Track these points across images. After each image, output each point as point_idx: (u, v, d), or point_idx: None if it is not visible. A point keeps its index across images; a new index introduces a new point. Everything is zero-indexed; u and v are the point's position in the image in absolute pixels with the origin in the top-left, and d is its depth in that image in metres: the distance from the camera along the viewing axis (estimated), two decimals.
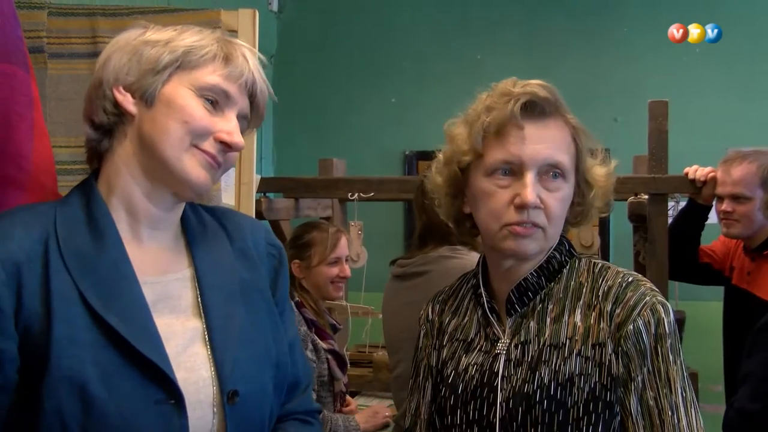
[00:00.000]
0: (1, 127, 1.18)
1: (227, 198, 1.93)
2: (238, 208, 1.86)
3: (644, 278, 1.23)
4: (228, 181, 2.06)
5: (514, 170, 1.17)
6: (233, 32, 1.80)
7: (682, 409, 1.13)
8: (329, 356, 2.41)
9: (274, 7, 4.86)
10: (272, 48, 4.90)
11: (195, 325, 1.11)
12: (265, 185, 2.85)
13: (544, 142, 1.16)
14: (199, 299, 1.12)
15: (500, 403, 1.17)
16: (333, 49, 4.89)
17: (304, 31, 4.94)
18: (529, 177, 1.15)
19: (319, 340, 2.40)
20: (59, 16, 1.79)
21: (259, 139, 1.79)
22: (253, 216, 1.89)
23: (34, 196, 1.21)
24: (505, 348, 1.21)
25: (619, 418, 1.15)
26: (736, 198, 2.44)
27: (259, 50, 1.83)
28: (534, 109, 1.17)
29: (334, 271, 2.55)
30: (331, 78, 4.87)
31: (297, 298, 2.43)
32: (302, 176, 3.06)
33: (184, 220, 1.18)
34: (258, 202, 2.55)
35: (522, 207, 1.15)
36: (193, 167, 1.09)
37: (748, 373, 1.90)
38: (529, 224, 1.16)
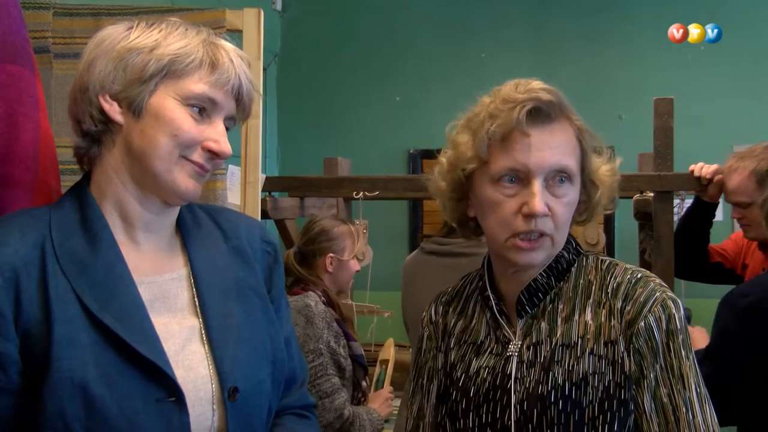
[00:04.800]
0: (8, 127, 1.18)
1: (232, 197, 1.93)
2: (244, 207, 1.86)
3: (653, 274, 1.22)
4: (233, 180, 2.06)
5: (521, 177, 1.14)
6: (238, 32, 1.80)
7: (696, 405, 1.12)
8: (352, 362, 2.42)
9: (278, 6, 4.86)
10: (276, 47, 4.91)
11: (192, 323, 1.12)
12: (270, 184, 2.85)
13: (550, 148, 1.14)
14: (196, 298, 1.13)
15: (514, 405, 1.16)
16: (337, 48, 4.89)
17: (308, 30, 4.94)
18: (537, 185, 1.13)
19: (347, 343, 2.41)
20: (64, 16, 1.79)
21: (264, 139, 1.79)
22: (259, 215, 1.89)
23: (39, 196, 1.22)
24: (517, 350, 1.20)
25: (633, 416, 1.14)
26: (739, 205, 2.45)
27: (263, 50, 1.84)
28: (539, 114, 1.14)
29: (357, 265, 2.58)
30: (336, 77, 4.87)
31: (323, 297, 2.42)
32: (307, 175, 3.06)
33: (179, 220, 1.19)
34: (263, 201, 2.56)
35: (530, 216, 1.13)
36: (182, 179, 1.09)
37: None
38: (536, 234, 1.15)
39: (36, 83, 1.26)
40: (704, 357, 1.97)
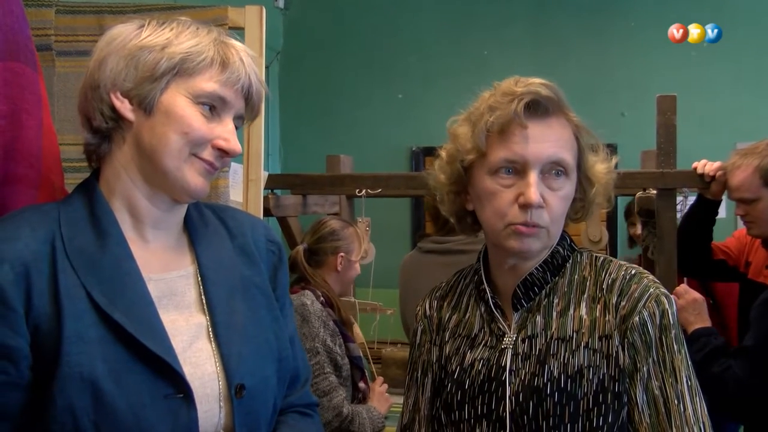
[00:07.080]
0: (11, 125, 1.19)
1: (235, 195, 1.93)
2: (246, 205, 1.86)
3: (645, 270, 1.25)
4: (236, 178, 2.06)
5: (518, 169, 1.17)
6: (240, 29, 1.80)
7: (687, 398, 1.15)
8: (349, 364, 2.42)
9: (281, 3, 4.86)
10: (278, 45, 4.91)
11: (199, 320, 1.12)
12: (273, 182, 2.85)
13: (547, 140, 1.17)
14: (203, 296, 1.14)
15: (510, 396, 1.18)
16: (339, 45, 4.89)
17: (310, 27, 4.94)
18: (533, 176, 1.16)
19: (345, 344, 2.41)
20: (66, 13, 1.79)
21: (266, 136, 1.78)
22: (261, 213, 1.89)
23: (43, 193, 1.22)
24: (512, 342, 1.22)
25: (627, 408, 1.17)
26: (743, 201, 2.44)
27: (266, 47, 1.84)
28: (537, 108, 1.17)
29: (359, 269, 2.58)
30: (338, 74, 4.87)
31: (321, 297, 2.43)
32: (309, 173, 3.06)
33: (186, 218, 1.20)
34: (266, 199, 2.55)
35: (526, 206, 1.15)
36: (192, 176, 1.10)
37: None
38: (531, 224, 1.17)
39: (39, 81, 1.26)
40: (739, 353, 2.05)
